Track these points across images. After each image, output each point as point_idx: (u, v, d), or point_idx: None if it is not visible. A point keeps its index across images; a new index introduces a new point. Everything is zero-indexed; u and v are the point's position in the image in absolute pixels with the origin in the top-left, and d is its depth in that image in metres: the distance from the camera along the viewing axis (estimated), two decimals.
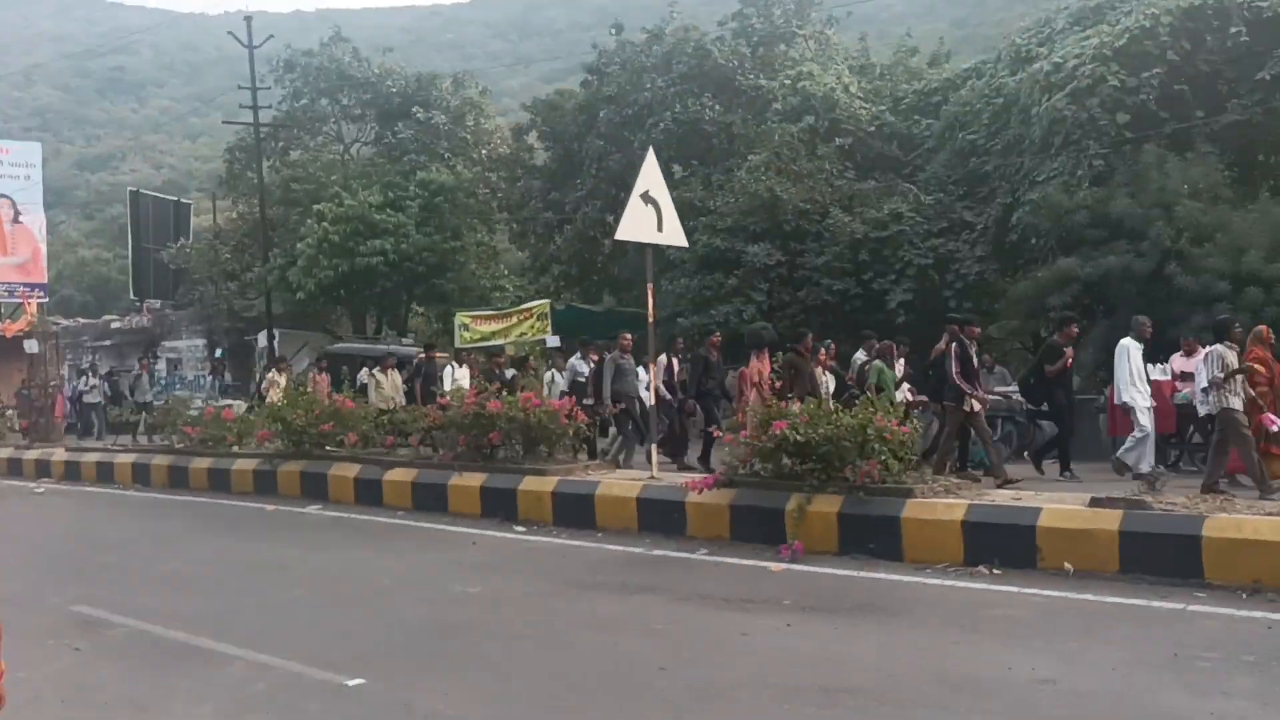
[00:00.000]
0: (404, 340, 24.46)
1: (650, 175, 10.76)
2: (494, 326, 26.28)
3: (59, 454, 17.97)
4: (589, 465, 11.95)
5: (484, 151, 31.39)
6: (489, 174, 30.75)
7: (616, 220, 27.49)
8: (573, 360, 14.33)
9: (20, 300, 40.67)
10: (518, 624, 7.00)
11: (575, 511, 10.64)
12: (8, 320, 39.08)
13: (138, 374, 19.79)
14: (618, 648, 6.28)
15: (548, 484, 11.12)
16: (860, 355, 13.26)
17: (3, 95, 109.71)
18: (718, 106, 24.07)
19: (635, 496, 10.32)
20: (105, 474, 16.61)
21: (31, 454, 18.39)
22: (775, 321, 19.42)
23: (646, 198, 10.67)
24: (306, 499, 13.48)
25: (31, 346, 19.03)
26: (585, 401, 12.90)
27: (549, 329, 24.36)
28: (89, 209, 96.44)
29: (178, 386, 30.69)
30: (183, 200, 34.28)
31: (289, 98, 31.14)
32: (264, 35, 29.48)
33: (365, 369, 22.36)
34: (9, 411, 21.56)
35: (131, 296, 33.77)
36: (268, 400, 15.41)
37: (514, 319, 26.05)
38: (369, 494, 12.79)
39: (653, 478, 10.88)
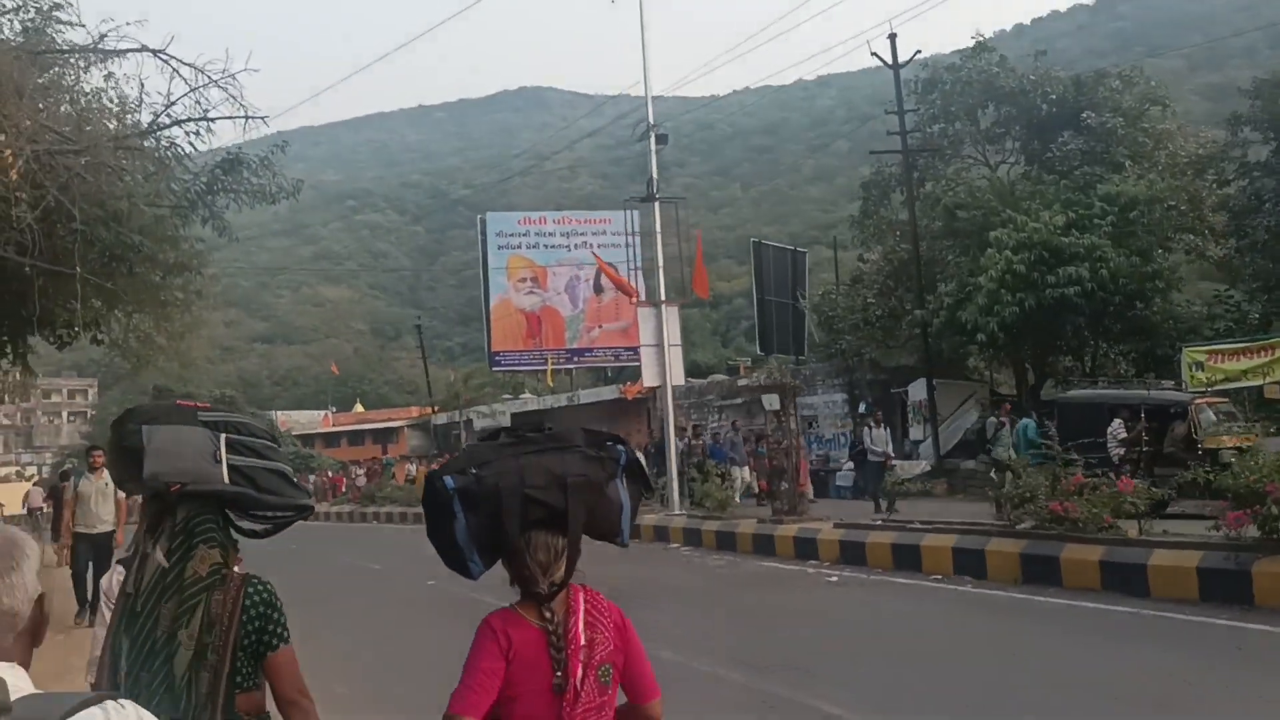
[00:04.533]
0: (1165, 385, 19.25)
1: None
2: (1245, 363, 20.32)
3: (826, 530, 14.91)
4: None
5: (1164, 154, 25.54)
6: (1168, 180, 24.84)
7: None
8: None
9: (637, 364, 41.50)
10: None
11: None
12: (629, 384, 39.58)
13: (999, 423, 16.13)
14: None
15: None
16: None
17: (554, 187, 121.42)
18: None
19: None
20: (907, 559, 13.01)
21: (786, 529, 15.57)
22: None
23: None
24: None
25: (771, 402, 16.25)
26: None
27: None
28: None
29: (815, 446, 28.00)
30: (798, 249, 31.98)
31: (923, 122, 27.52)
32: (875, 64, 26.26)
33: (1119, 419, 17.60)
34: (743, 470, 19.31)
35: (758, 351, 32.03)
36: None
37: (1276, 352, 19.93)
38: None
39: None
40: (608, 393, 38.45)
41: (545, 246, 42.23)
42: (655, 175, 20.91)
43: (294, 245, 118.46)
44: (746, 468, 21.42)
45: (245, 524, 2.76)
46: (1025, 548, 11.54)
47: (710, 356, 64.89)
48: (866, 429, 19.24)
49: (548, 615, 2.42)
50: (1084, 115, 24.99)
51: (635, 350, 42.00)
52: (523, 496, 2.35)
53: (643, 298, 22.63)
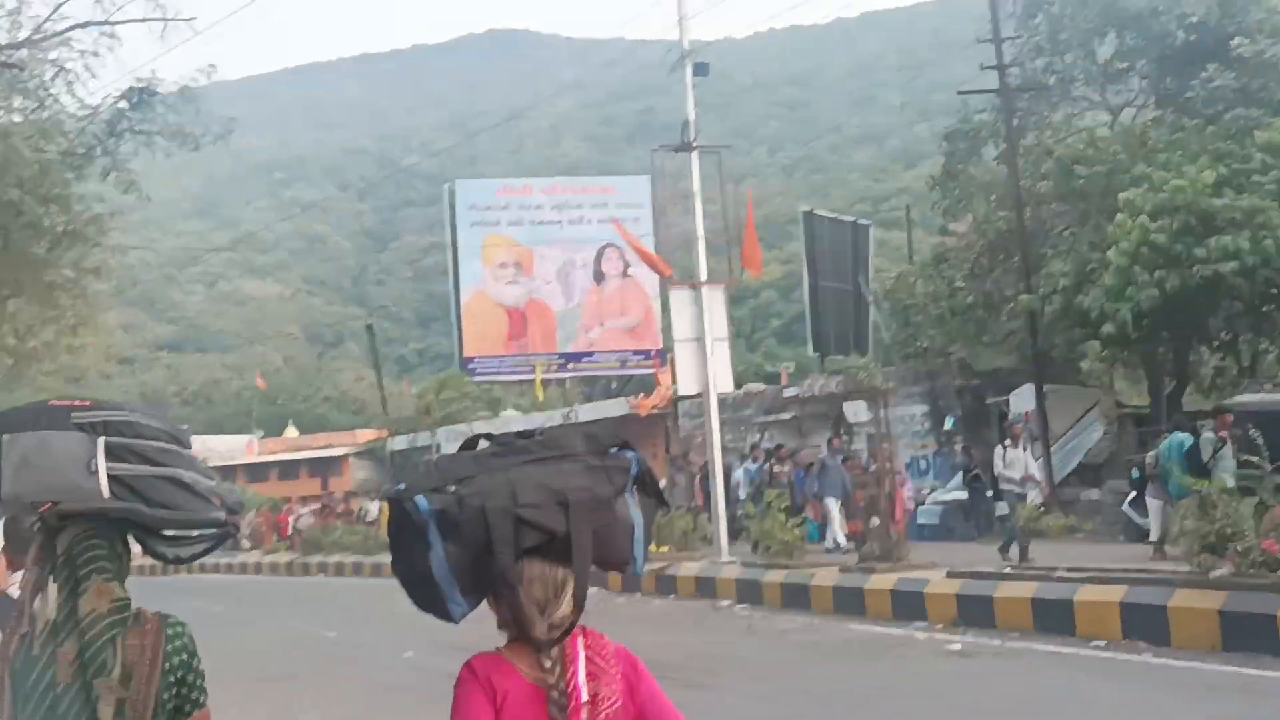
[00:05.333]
0: None
1: None
2: None
3: (937, 581, 14.11)
4: None
5: None
6: None
7: None
8: None
9: (649, 371, 40.68)
10: None
11: None
12: (641, 396, 38.62)
13: (1218, 440, 14.99)
14: None
15: None
16: None
17: (533, 152, 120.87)
18: None
19: None
20: (1053, 619, 12.13)
21: (881, 580, 14.78)
22: None
23: None
24: None
25: (856, 412, 15.57)
26: None
27: None
28: None
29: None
30: (860, 221, 31.35)
31: (1023, 56, 26.80)
32: None
33: None
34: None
35: (810, 351, 31.46)
36: None
37: None
38: None
39: None
40: (614, 408, 37.74)
41: (531, 223, 41.86)
42: (693, 117, 20.23)
43: (208, 229, 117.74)
44: (839, 502, 20.74)
45: (158, 548, 2.78)
46: (1226, 603, 10.65)
47: (735, 362, 64.12)
48: (1000, 448, 18.39)
49: (547, 665, 2.41)
50: (1234, 43, 24.10)
51: (646, 354, 41.78)
52: (515, 519, 2.35)
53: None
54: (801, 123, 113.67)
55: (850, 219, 31.59)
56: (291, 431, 75.03)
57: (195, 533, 2.82)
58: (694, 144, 20.47)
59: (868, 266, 31.09)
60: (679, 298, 19.41)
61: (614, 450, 2.52)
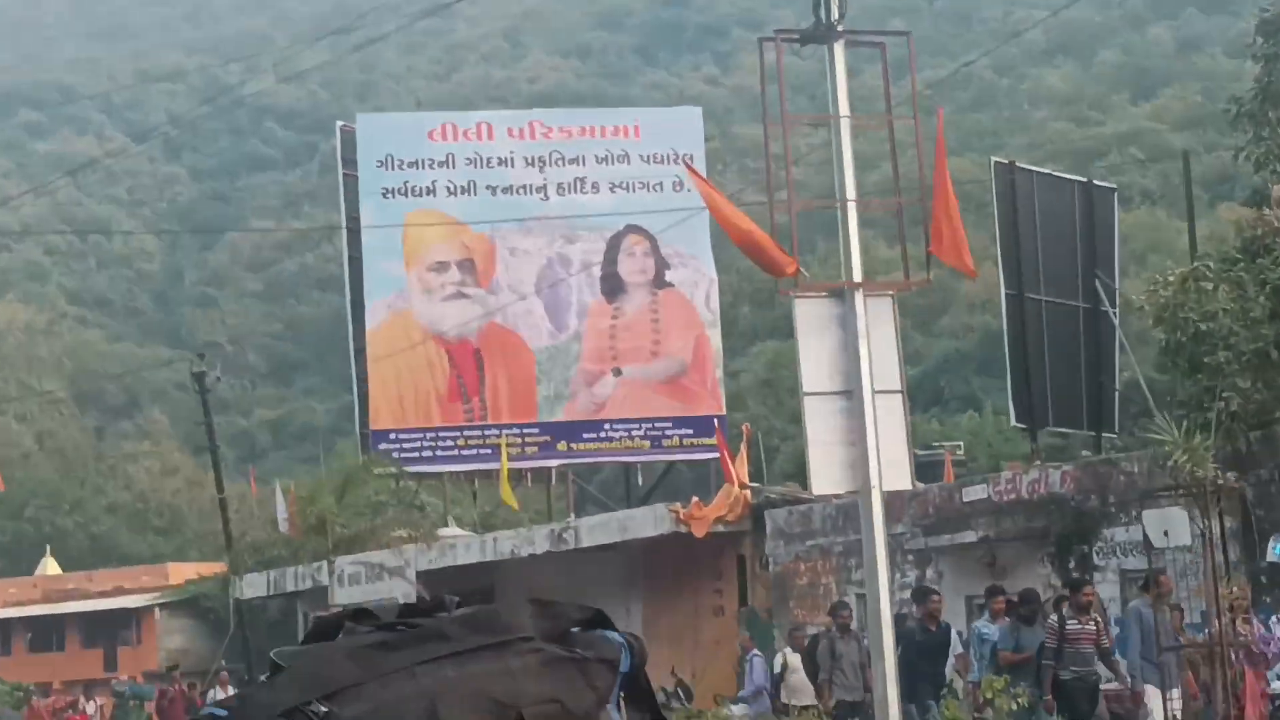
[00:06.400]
0: None
1: None
2: None
3: None
4: None
5: None
6: None
7: None
8: None
9: (708, 456, 40.28)
10: None
11: None
12: (694, 502, 38.00)
13: None
14: None
15: None
16: None
17: (472, 77, 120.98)
18: None
19: None
20: None
21: None
22: None
23: None
24: None
25: (1172, 530, 15.65)
26: None
27: None
28: None
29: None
30: (1097, 183, 31.47)
31: None
32: None
33: None
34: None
35: (1013, 423, 31.21)
36: None
37: None
38: None
39: None
40: (642, 523, 37.22)
41: (490, 190, 42.48)
42: None
43: None
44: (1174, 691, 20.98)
45: None
46: None
47: None
48: None
49: None
50: None
51: (700, 425, 41.35)
52: None
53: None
54: (950, 20, 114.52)
55: (1078, 179, 31.55)
56: (52, 566, 75.44)
57: None
58: (839, 28, 19.51)
59: (1113, 265, 30.75)
60: (814, 314, 19.20)
61: (580, 631, 2.65)
